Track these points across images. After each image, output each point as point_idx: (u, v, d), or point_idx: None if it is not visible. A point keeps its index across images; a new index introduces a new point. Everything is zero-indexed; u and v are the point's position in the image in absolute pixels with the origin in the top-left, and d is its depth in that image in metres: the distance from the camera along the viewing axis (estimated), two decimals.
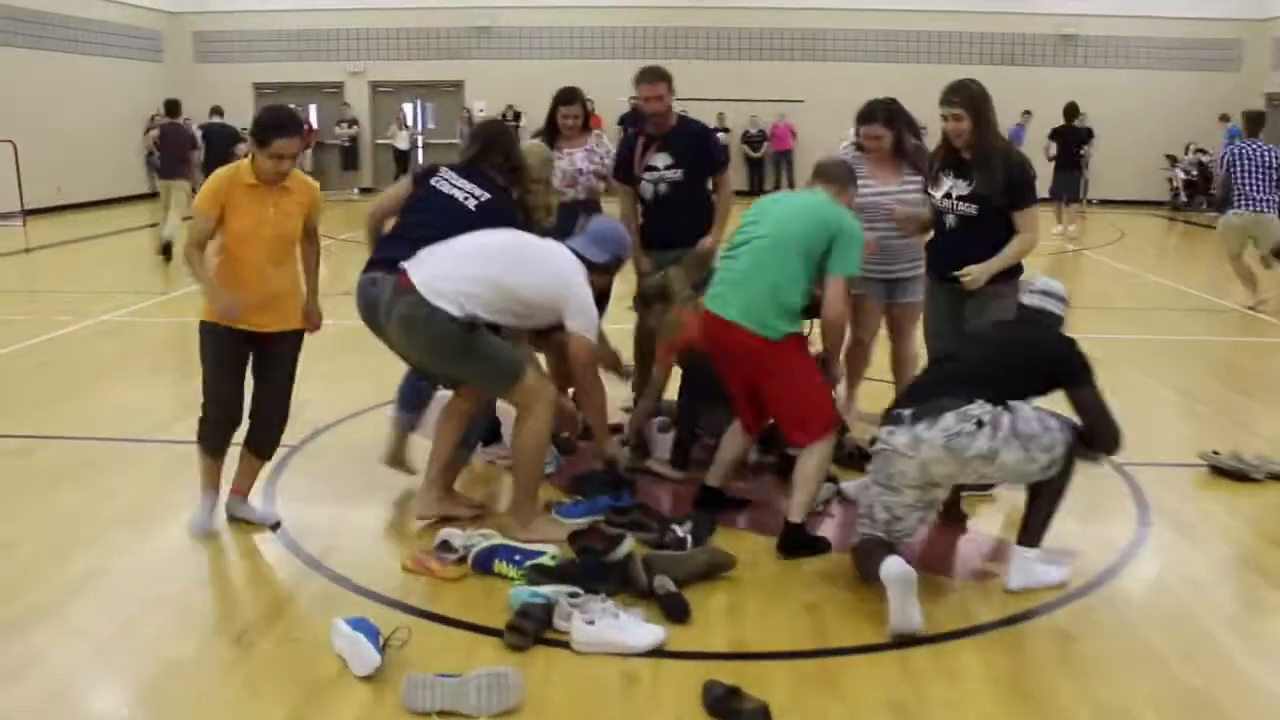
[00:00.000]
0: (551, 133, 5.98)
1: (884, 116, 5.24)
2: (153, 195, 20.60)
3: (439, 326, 3.96)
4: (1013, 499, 4.27)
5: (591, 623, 3.35)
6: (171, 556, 4.13)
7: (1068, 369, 3.87)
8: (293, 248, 4.27)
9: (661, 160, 5.57)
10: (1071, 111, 15.62)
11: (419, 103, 23.19)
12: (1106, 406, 3.85)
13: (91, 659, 3.36)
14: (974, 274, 4.48)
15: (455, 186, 4.51)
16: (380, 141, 22.85)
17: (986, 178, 4.47)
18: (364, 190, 22.67)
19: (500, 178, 4.59)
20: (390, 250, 4.37)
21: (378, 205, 4.85)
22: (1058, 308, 4.10)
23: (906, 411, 3.75)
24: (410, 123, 22.83)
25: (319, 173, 22.80)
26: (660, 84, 5.53)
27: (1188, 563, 4.18)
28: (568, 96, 5.99)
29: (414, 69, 22.42)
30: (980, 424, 3.62)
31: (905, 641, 3.43)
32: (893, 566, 3.47)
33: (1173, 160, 21.05)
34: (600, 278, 4.43)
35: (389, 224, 4.67)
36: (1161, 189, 21.38)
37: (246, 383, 4.30)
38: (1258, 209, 9.48)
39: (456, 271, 4.02)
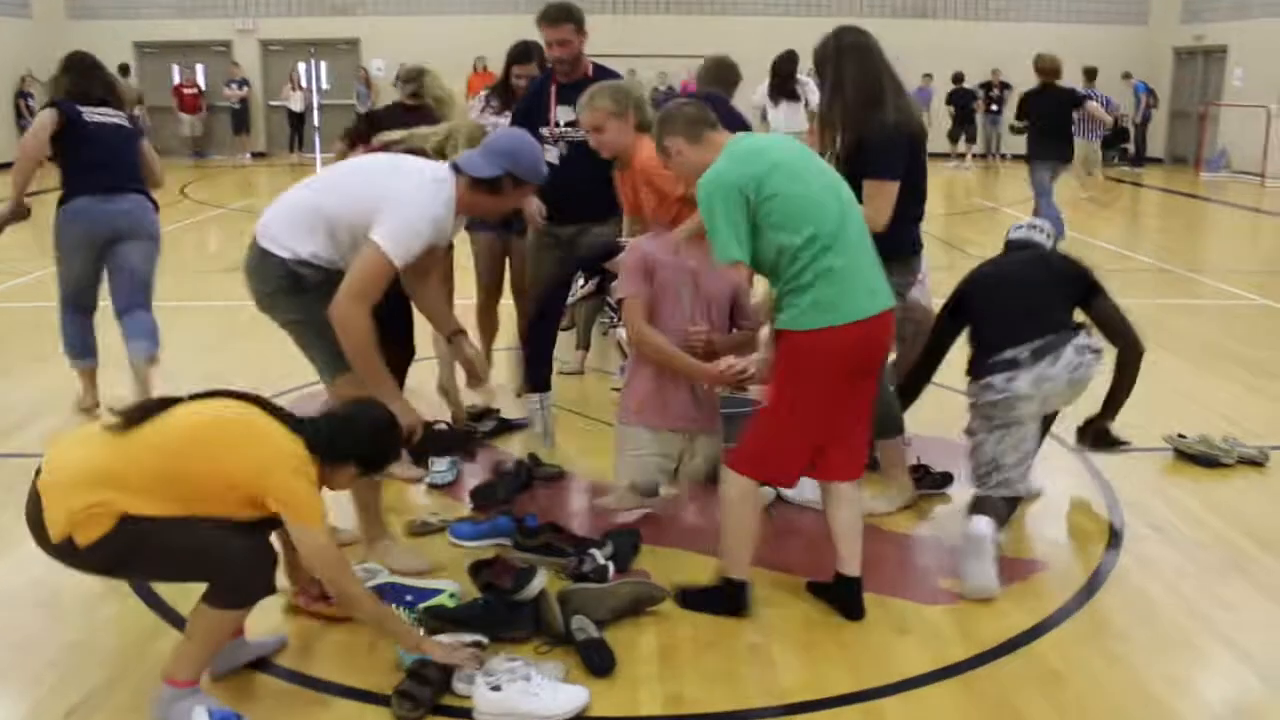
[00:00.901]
0: (506, 95, 5.32)
1: None
2: None
3: (269, 273, 3.31)
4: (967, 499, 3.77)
5: (498, 688, 2.77)
6: None
7: (1093, 279, 3.93)
8: None
9: (565, 115, 4.77)
10: (958, 77, 20.18)
11: (313, 62, 22.05)
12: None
13: None
14: None
15: (106, 117, 5.10)
16: (273, 103, 21.70)
17: (842, 140, 3.83)
18: (256, 155, 21.50)
19: (113, 99, 5.23)
20: (93, 178, 4.99)
21: (32, 152, 4.97)
22: (1043, 238, 4.17)
23: (1024, 353, 3.67)
24: (304, 83, 21.64)
25: (208, 137, 21.64)
26: (565, 25, 4.78)
27: (1168, 570, 3.73)
28: (522, 53, 5.33)
29: (307, 26, 21.27)
30: (1096, 351, 3.75)
31: (871, 692, 2.92)
32: (979, 524, 3.46)
33: None
34: (492, 198, 3.36)
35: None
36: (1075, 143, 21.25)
37: None
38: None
39: (288, 203, 3.36)
